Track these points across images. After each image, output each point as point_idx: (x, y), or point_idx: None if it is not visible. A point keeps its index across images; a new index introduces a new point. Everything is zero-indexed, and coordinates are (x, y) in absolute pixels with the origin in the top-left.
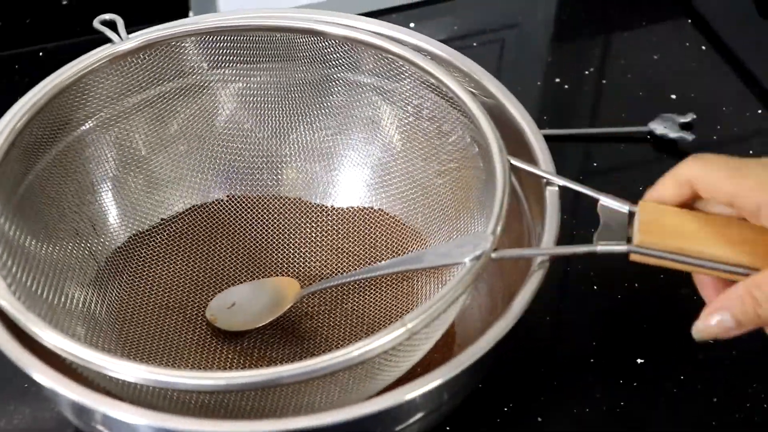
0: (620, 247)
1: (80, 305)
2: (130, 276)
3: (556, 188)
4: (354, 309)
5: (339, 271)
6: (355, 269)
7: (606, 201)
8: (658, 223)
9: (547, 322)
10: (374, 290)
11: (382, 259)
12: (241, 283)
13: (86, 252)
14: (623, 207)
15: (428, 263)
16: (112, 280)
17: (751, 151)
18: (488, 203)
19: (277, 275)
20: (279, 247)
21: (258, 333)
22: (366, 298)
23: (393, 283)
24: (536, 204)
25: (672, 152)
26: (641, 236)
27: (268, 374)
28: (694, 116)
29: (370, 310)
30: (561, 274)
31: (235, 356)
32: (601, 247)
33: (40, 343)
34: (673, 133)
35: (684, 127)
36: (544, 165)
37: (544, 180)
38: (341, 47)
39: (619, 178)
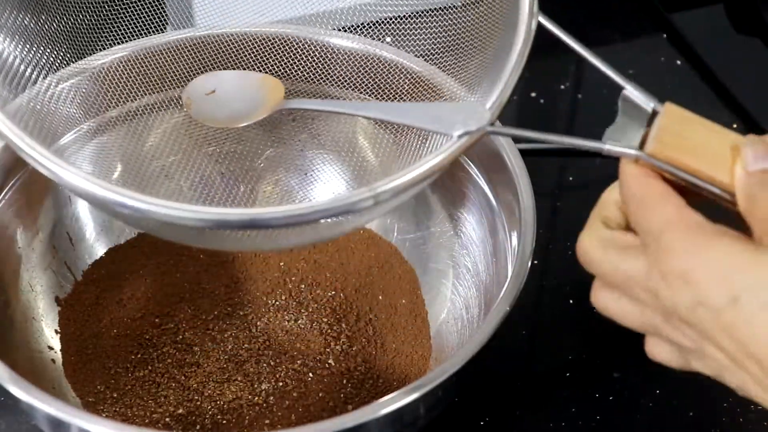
0: (629, 151)
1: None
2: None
3: (532, 202)
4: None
5: (316, 283)
6: (333, 282)
7: (630, 92)
8: (678, 135)
9: (523, 336)
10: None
11: (358, 272)
12: (216, 298)
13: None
14: (648, 104)
15: (412, 121)
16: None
17: None
18: (496, 69)
19: (254, 284)
20: (255, 259)
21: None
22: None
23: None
24: (511, 215)
25: None
26: (655, 145)
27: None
28: None
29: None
30: (537, 288)
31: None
32: (609, 147)
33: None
34: None
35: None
36: (521, 179)
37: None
38: (316, 61)
39: (594, 193)
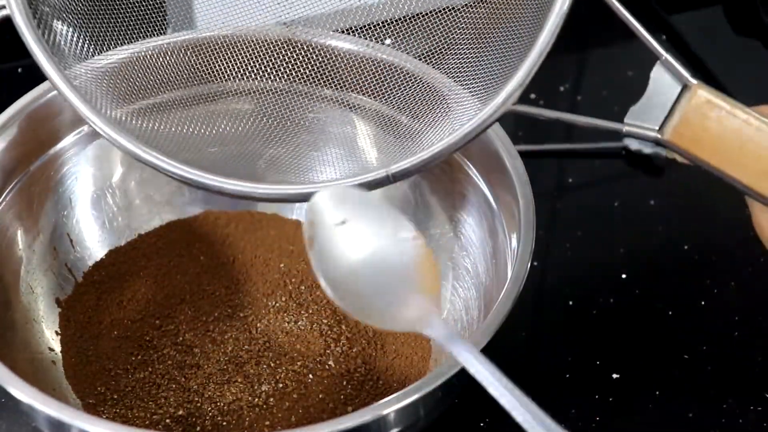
0: (647, 133)
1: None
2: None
3: (531, 204)
4: None
5: (317, 285)
6: None
7: (663, 66)
8: (698, 126)
9: (522, 337)
10: None
11: None
12: (216, 299)
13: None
14: (678, 82)
15: None
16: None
17: None
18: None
19: (254, 285)
20: (255, 261)
21: None
22: None
23: None
24: (511, 217)
25: (646, 168)
26: (672, 134)
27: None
28: None
29: None
30: (537, 289)
31: None
32: (629, 128)
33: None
34: (648, 149)
35: (659, 142)
36: (517, 180)
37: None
38: (316, 62)
39: (593, 194)
